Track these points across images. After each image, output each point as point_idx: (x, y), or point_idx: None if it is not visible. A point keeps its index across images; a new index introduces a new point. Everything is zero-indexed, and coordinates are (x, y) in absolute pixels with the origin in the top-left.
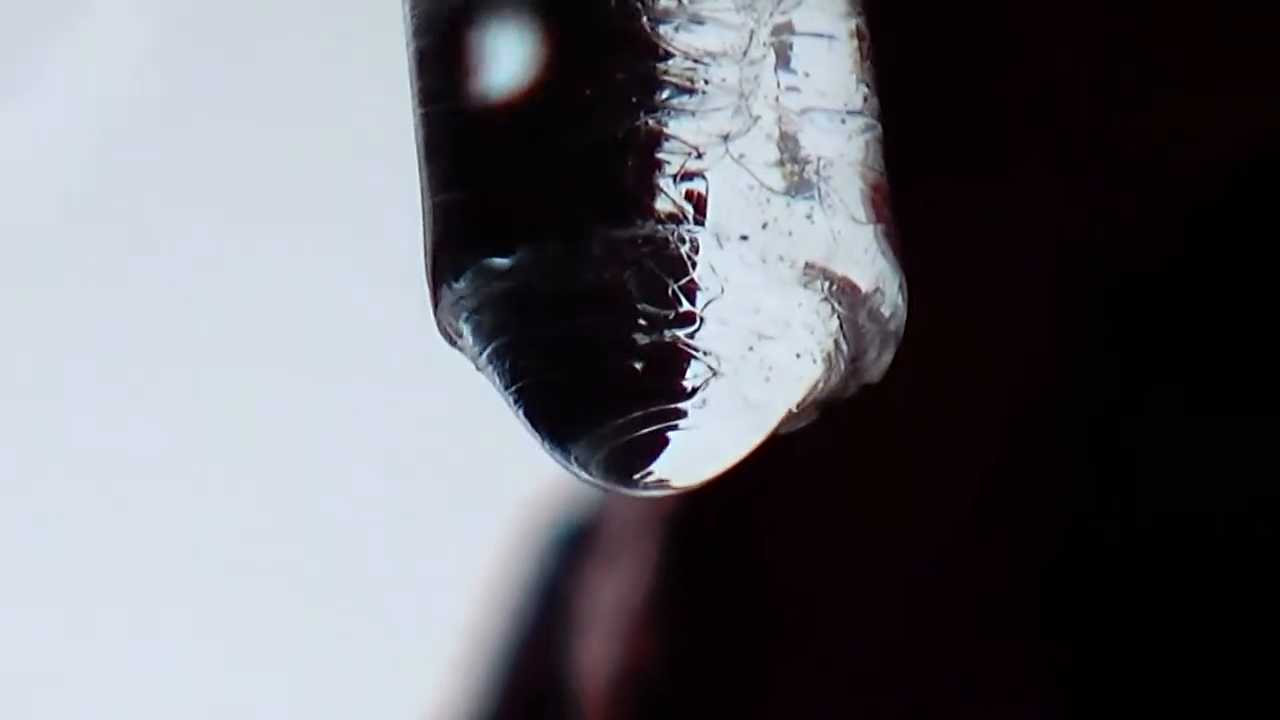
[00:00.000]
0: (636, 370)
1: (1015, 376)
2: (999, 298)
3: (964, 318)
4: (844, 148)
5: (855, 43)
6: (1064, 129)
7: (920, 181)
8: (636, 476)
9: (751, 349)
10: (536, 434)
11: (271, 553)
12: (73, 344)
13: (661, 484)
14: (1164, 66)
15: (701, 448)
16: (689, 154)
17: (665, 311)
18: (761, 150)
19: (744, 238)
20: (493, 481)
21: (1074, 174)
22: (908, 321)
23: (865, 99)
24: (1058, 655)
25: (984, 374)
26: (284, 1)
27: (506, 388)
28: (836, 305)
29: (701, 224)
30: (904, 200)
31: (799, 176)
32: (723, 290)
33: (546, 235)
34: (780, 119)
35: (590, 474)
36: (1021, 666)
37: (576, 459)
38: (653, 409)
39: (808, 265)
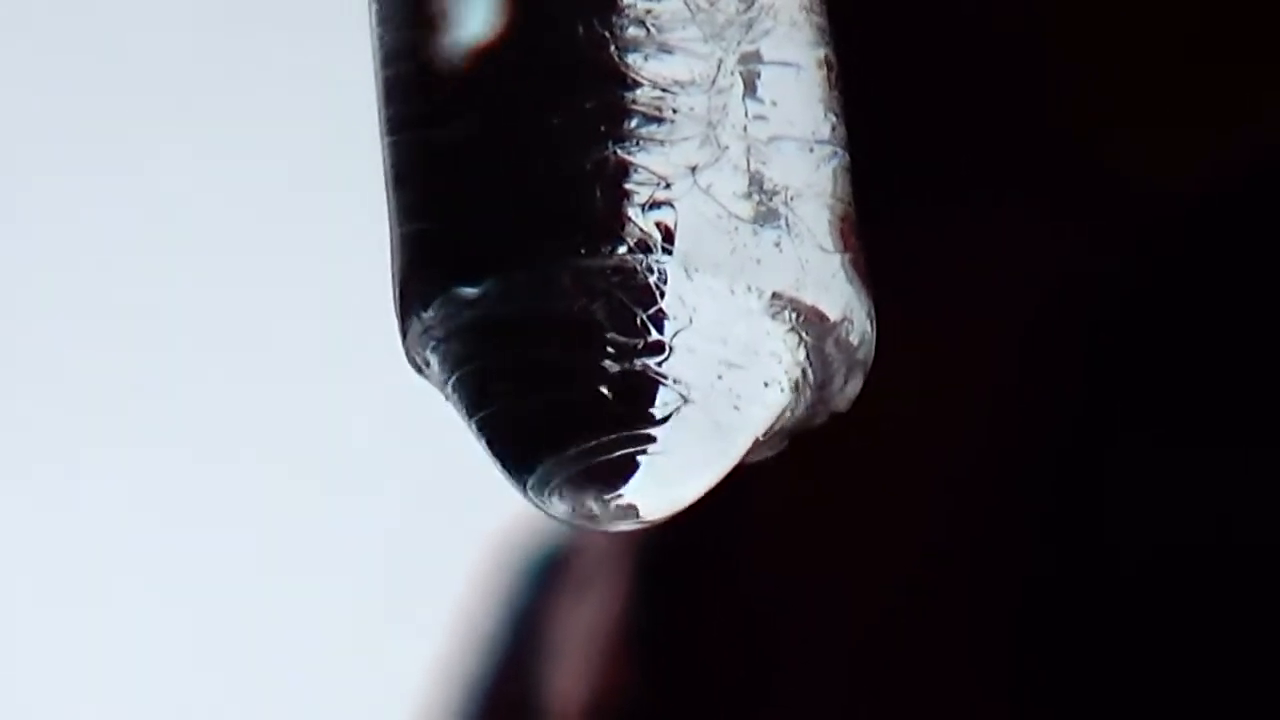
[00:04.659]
0: (606, 396)
1: (986, 406)
2: (968, 327)
3: (935, 345)
4: (811, 177)
5: (823, 72)
6: (1033, 161)
7: (888, 211)
8: (606, 498)
9: (720, 377)
10: (502, 463)
11: (242, 581)
12: (69, 349)
13: (628, 511)
14: (1136, 98)
15: (670, 471)
16: (657, 183)
17: (634, 340)
18: (729, 180)
19: (713, 266)
20: (465, 512)
21: (1042, 206)
22: (878, 350)
23: (833, 128)
24: (1035, 687)
25: (955, 402)
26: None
27: (472, 416)
28: (804, 334)
29: (670, 253)
30: (871, 229)
31: (766, 206)
32: (691, 320)
33: (515, 265)
34: (748, 148)
35: (556, 501)
36: (1000, 699)
37: (543, 484)
38: (623, 433)
39: (775, 294)
